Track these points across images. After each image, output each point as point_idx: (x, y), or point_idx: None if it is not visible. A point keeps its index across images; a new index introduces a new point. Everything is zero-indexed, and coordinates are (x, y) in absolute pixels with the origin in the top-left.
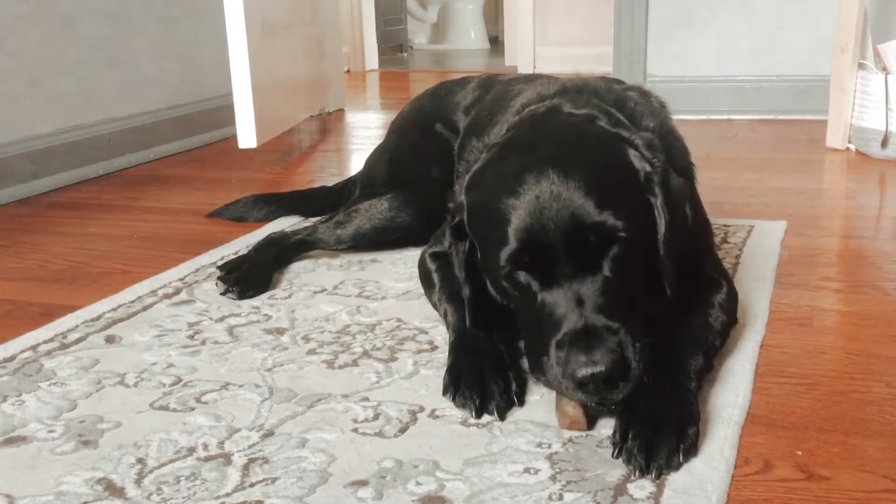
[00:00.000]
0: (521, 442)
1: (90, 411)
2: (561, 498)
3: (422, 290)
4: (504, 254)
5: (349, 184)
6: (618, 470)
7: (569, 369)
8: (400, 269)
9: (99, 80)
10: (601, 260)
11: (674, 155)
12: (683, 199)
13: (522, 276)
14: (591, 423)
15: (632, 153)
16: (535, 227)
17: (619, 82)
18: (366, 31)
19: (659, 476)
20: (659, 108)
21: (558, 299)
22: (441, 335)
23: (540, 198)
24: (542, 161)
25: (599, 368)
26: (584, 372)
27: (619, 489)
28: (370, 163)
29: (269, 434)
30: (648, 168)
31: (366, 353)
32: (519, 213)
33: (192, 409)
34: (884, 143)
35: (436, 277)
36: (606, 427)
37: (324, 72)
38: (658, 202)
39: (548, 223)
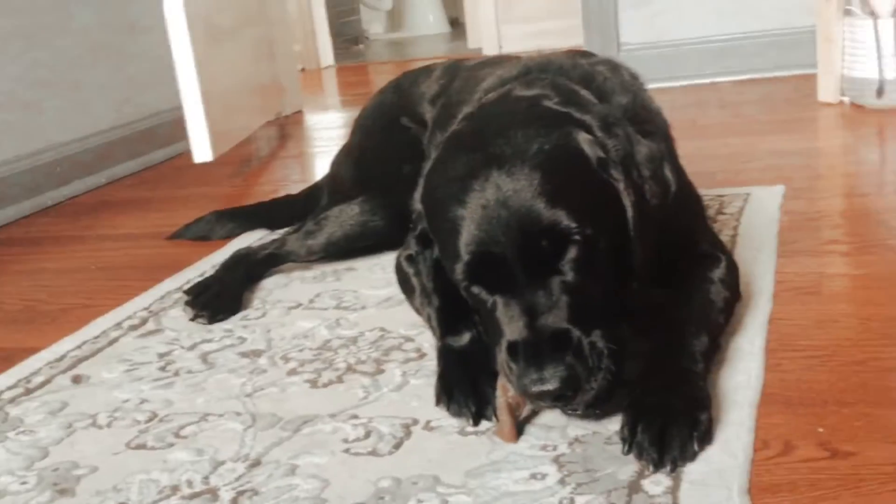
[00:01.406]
0: (524, 446)
1: (63, 458)
2: (572, 502)
3: (403, 296)
4: (458, 269)
5: (315, 190)
6: (630, 466)
7: (521, 383)
8: (378, 275)
9: (37, 104)
10: (558, 264)
11: (648, 131)
12: (659, 163)
13: (480, 289)
14: (516, 437)
15: (582, 137)
16: (485, 240)
17: (588, 55)
18: (317, 26)
19: (674, 469)
20: (631, 81)
21: (514, 309)
22: (428, 341)
23: (487, 207)
24: (487, 162)
25: (549, 387)
26: (534, 389)
27: (634, 487)
28: (335, 166)
29: (256, 464)
30: (601, 152)
31: (350, 368)
32: (468, 224)
33: (172, 444)
34: (879, 93)
35: (414, 281)
36: (614, 422)
37: (277, 73)
38: (620, 186)
39: (497, 234)
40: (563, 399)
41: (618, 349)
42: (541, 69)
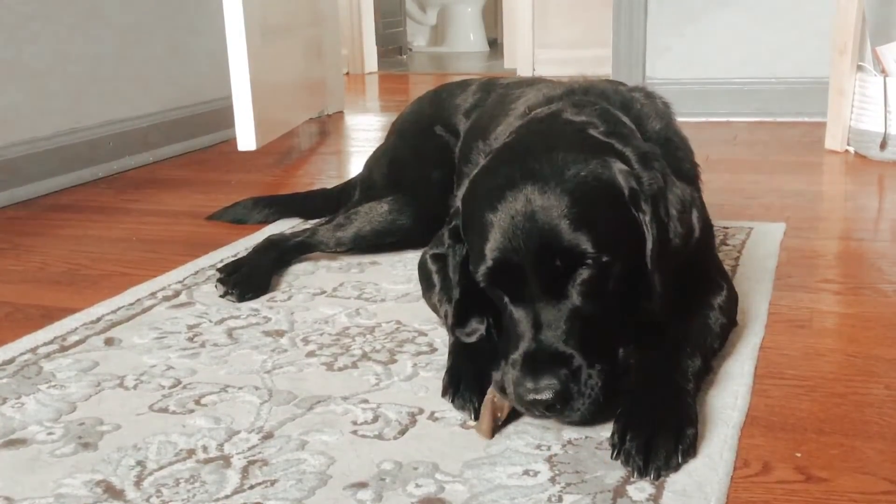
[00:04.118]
0: (520, 444)
1: (90, 413)
2: (560, 500)
3: (420, 293)
4: (480, 270)
5: (349, 186)
6: (617, 472)
7: (516, 390)
8: (399, 271)
9: (98, 83)
10: (569, 283)
11: (679, 157)
12: (688, 208)
13: (497, 292)
14: (492, 434)
15: (618, 168)
16: (507, 248)
17: (623, 84)
18: (365, 34)
19: (657, 477)
20: (664, 109)
21: (523, 318)
22: (440, 337)
23: (515, 218)
24: (525, 177)
25: (542, 397)
26: (528, 397)
27: (619, 491)
28: (370, 165)
29: (269, 436)
30: (634, 184)
31: (365, 356)
32: (495, 231)
33: (192, 411)
34: (882, 146)
35: (436, 279)
36: (606, 429)
37: (323, 74)
38: (646, 219)
39: (519, 244)
40: (552, 410)
41: (610, 381)
42: (584, 92)
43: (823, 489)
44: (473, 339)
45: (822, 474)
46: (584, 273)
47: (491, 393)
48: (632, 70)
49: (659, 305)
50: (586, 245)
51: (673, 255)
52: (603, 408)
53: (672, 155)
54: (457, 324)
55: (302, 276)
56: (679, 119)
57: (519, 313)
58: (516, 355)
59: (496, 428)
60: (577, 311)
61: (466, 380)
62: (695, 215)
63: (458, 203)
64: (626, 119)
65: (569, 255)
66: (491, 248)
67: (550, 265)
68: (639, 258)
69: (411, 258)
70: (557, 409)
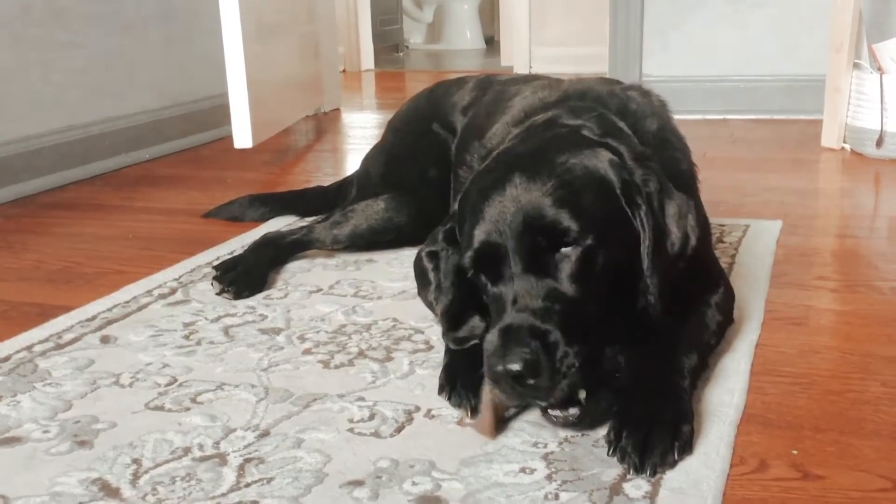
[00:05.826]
0: (516, 441)
1: (85, 411)
2: (557, 497)
3: (416, 290)
4: (467, 257)
5: (345, 184)
6: (614, 469)
7: (488, 362)
8: (396, 268)
9: (94, 81)
10: (552, 262)
11: (676, 157)
12: (684, 215)
13: (483, 277)
14: (495, 433)
15: (609, 159)
16: (492, 231)
17: (618, 82)
18: (361, 31)
19: (654, 474)
20: (660, 108)
21: (505, 297)
22: (437, 335)
23: (502, 202)
24: (515, 170)
25: (510, 366)
26: (497, 368)
27: (615, 488)
28: (366, 163)
29: (265, 434)
30: (626, 177)
31: (361, 353)
32: (483, 219)
33: (188, 409)
34: (878, 143)
35: (432, 276)
36: (602, 427)
37: (319, 71)
38: (641, 213)
39: (504, 227)
40: (521, 382)
41: (589, 366)
42: (579, 96)
43: (820, 486)
44: (467, 345)
45: (819, 471)
46: (567, 252)
47: (489, 392)
48: (628, 67)
49: (655, 310)
50: (569, 222)
51: (670, 262)
52: (577, 392)
53: (669, 155)
54: (449, 328)
55: (298, 273)
56: (676, 117)
57: (500, 294)
58: (493, 330)
59: (500, 426)
60: (559, 290)
61: (463, 377)
62: (690, 222)
63: (456, 206)
64: (622, 124)
65: (551, 232)
66: (477, 234)
67: (531, 243)
68: (631, 255)
69: (408, 256)
70: (529, 383)
